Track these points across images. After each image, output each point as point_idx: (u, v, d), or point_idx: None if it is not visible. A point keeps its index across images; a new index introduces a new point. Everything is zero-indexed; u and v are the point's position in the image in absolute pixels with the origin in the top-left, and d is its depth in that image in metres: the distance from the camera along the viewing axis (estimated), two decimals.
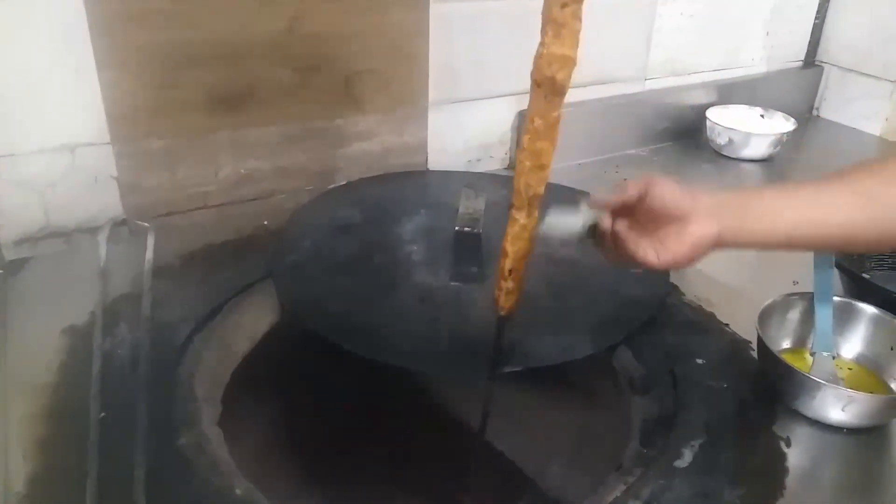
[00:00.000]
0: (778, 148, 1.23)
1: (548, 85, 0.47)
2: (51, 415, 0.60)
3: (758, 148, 1.22)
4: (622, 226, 0.55)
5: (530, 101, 0.48)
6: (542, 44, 0.45)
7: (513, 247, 0.55)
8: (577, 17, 0.44)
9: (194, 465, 0.56)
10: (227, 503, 0.53)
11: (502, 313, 0.59)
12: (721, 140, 1.23)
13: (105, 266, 0.78)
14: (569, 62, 0.46)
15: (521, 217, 0.53)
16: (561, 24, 0.44)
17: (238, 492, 0.55)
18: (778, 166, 1.23)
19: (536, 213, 0.54)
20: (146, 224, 0.85)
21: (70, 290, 0.75)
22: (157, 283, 0.76)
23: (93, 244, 0.82)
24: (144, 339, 0.68)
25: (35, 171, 0.80)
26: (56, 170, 0.81)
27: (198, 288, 0.76)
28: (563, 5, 0.43)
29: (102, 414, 0.60)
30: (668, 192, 0.52)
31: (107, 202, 0.85)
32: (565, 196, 0.97)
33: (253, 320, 0.77)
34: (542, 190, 0.53)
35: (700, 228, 0.52)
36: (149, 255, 0.80)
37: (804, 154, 1.29)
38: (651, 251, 0.53)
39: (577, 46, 0.45)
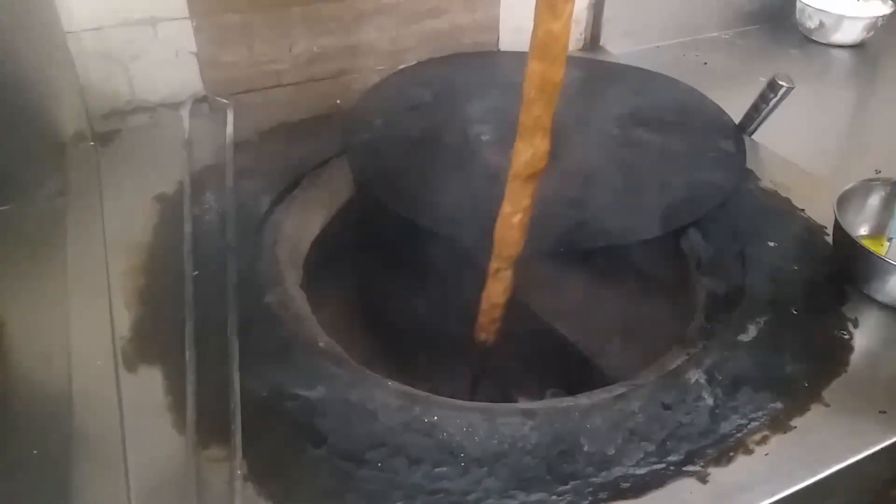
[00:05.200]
0: (872, 33, 1.15)
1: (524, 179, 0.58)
2: (148, 270, 0.65)
3: (850, 32, 1.14)
4: None
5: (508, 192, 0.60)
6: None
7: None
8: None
9: (281, 319, 0.61)
10: (311, 353, 0.58)
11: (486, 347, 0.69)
12: (811, 23, 1.16)
13: (189, 139, 0.82)
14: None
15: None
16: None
17: (321, 344, 0.59)
18: (871, 53, 1.15)
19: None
20: (225, 100, 0.88)
21: (158, 161, 0.79)
22: (238, 157, 0.79)
23: (176, 118, 0.85)
24: (230, 206, 0.71)
25: (119, 45, 0.82)
26: (139, 44, 0.83)
27: (276, 162, 0.79)
28: None
29: (196, 272, 0.64)
30: None
31: (187, 78, 0.87)
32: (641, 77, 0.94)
33: (329, 194, 0.80)
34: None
35: None
36: (229, 130, 0.83)
37: None
38: None
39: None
